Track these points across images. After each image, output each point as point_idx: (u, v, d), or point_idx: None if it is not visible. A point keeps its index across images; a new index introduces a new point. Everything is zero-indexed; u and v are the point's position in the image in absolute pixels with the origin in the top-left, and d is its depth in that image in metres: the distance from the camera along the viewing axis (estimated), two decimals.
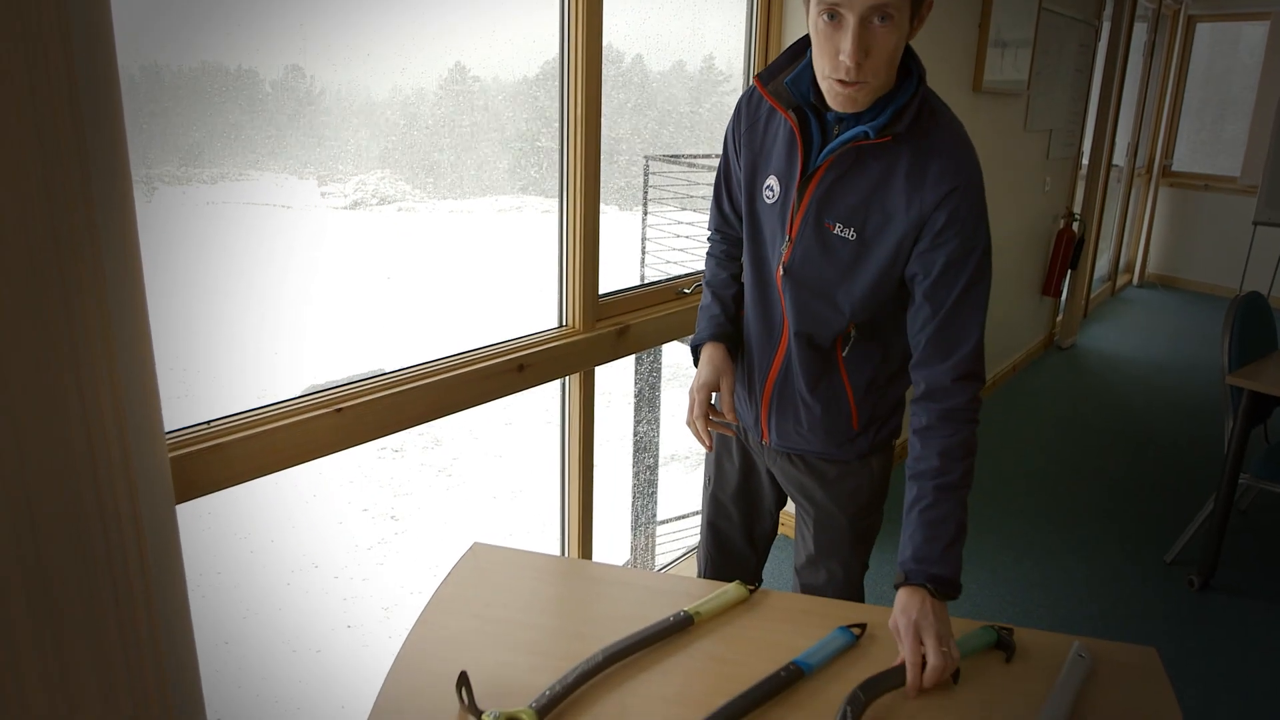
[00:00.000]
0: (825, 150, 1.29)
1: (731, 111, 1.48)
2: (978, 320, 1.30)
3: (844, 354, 1.43)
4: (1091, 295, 6.34)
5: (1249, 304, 2.89)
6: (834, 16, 1.15)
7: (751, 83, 1.42)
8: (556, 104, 2.06)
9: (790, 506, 1.72)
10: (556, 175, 2.11)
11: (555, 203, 2.14)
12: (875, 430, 1.52)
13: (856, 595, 1.67)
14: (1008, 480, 3.65)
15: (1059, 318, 5.70)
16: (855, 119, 1.26)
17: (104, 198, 1.09)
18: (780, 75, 1.33)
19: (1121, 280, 7.35)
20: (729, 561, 1.82)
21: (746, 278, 1.50)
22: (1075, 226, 5.29)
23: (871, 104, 1.25)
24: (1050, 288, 5.21)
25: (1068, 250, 5.17)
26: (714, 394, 1.50)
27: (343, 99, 1.75)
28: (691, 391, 1.48)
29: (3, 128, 0.99)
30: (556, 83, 2.04)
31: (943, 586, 1.19)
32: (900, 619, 1.16)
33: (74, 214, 1.05)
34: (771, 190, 1.38)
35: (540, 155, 2.14)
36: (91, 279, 1.09)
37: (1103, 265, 6.83)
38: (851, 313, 1.37)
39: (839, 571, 1.64)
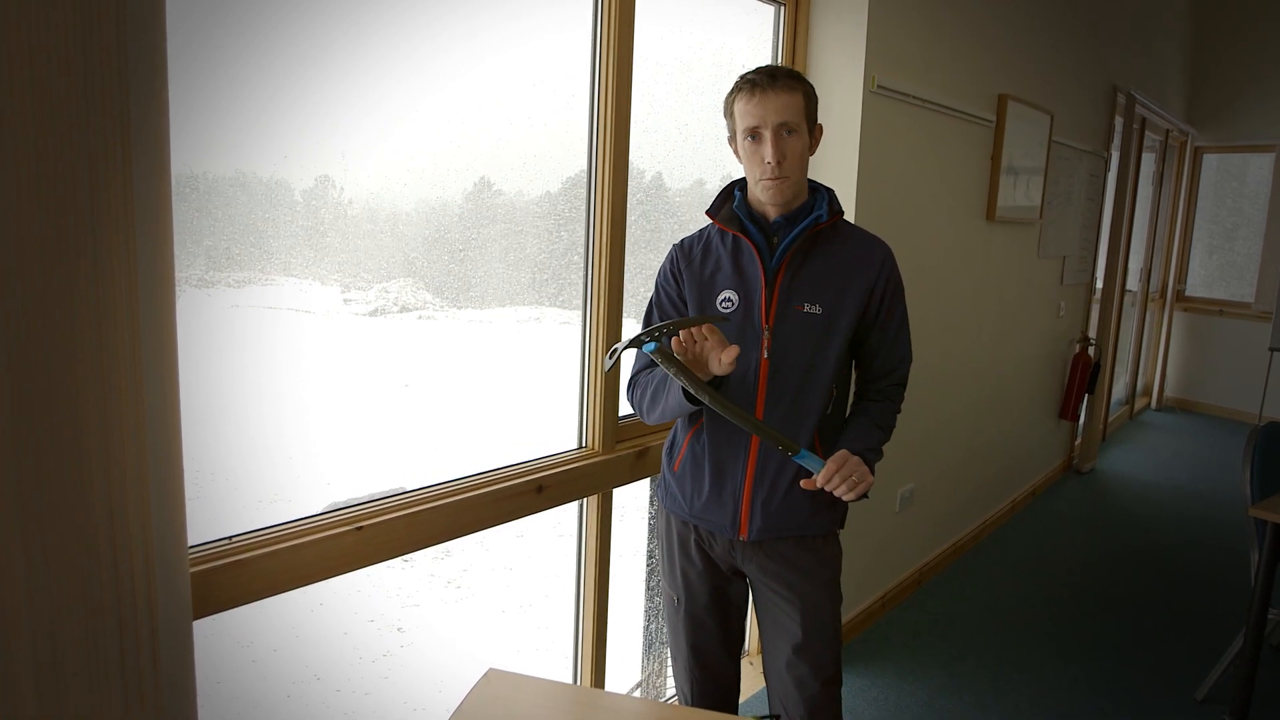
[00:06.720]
0: (785, 242, 1.61)
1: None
2: (909, 339, 1.75)
3: (828, 412, 1.67)
4: (1110, 419, 6.31)
5: (1269, 434, 2.87)
6: (755, 136, 1.57)
7: (675, 244, 1.77)
8: (576, 218, 2.14)
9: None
10: (574, 287, 2.17)
11: (573, 314, 2.18)
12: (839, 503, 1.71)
13: (839, 658, 1.73)
14: (1030, 607, 3.56)
15: (1077, 441, 5.66)
16: (791, 224, 1.62)
17: (147, 303, 1.13)
18: (723, 209, 1.69)
19: (1140, 404, 7.32)
20: (713, 680, 1.79)
21: None
22: (1091, 351, 5.32)
23: (798, 205, 1.63)
24: (1067, 411, 5.20)
25: (1084, 374, 5.18)
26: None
27: (371, 209, 1.80)
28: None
29: (61, 246, 1.04)
30: (575, 198, 2.13)
31: (867, 458, 1.62)
32: (842, 453, 1.56)
33: (119, 318, 1.09)
34: (730, 301, 1.65)
35: (560, 268, 2.20)
36: (131, 389, 1.12)
37: (1120, 389, 6.82)
38: (832, 375, 1.64)
39: (826, 653, 1.69)
